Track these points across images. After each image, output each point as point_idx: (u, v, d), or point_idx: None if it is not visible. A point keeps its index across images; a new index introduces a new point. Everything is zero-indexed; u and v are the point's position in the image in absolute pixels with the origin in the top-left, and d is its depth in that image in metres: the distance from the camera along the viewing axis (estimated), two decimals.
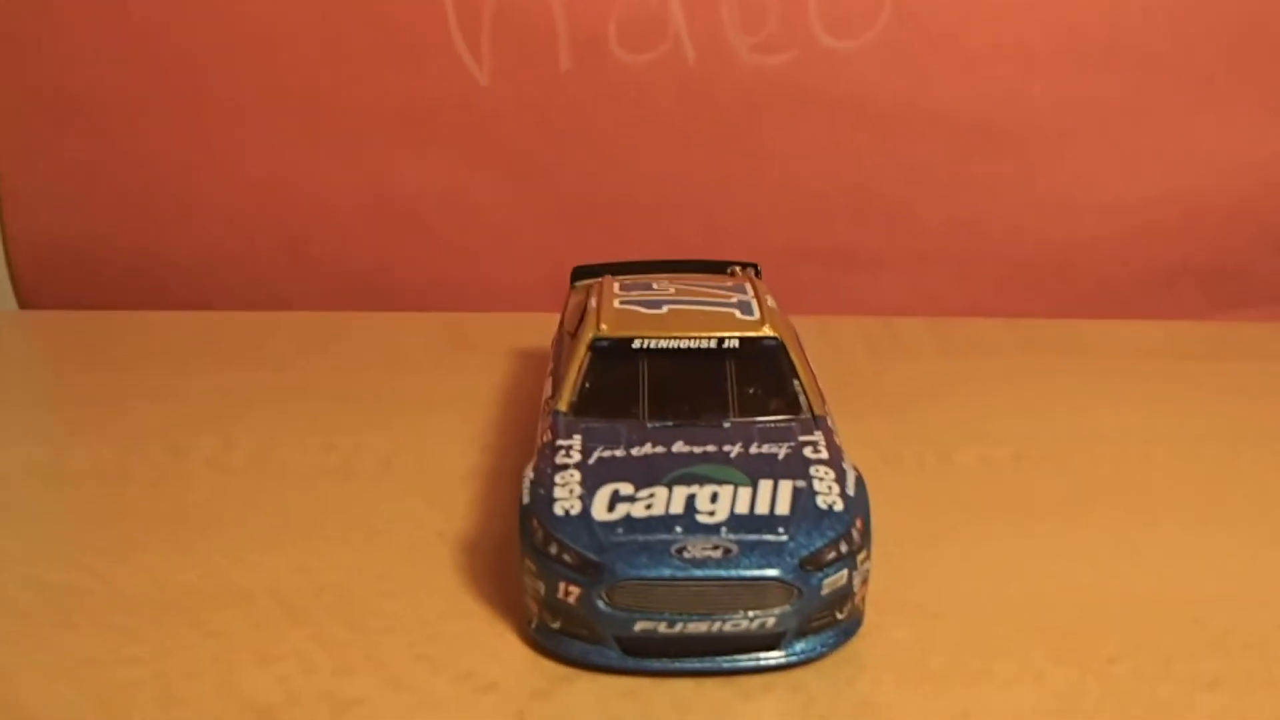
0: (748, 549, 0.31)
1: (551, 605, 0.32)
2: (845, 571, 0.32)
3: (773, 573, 0.31)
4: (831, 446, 0.36)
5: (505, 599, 0.36)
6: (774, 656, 0.32)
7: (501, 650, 0.33)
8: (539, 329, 0.54)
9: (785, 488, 0.33)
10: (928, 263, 0.65)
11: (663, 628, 0.31)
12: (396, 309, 0.64)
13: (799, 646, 0.32)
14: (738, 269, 0.49)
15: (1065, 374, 0.55)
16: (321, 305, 0.64)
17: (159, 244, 0.64)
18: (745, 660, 0.32)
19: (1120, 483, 0.44)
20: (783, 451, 0.35)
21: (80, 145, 0.62)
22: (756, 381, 0.38)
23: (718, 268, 0.49)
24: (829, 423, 0.37)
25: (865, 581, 0.33)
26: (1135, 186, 0.63)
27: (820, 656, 0.32)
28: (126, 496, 0.43)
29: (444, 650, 0.33)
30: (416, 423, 0.48)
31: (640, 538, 0.32)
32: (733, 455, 0.35)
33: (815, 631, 0.32)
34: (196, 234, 0.64)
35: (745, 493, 0.33)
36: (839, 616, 0.33)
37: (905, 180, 0.63)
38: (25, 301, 0.66)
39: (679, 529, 0.32)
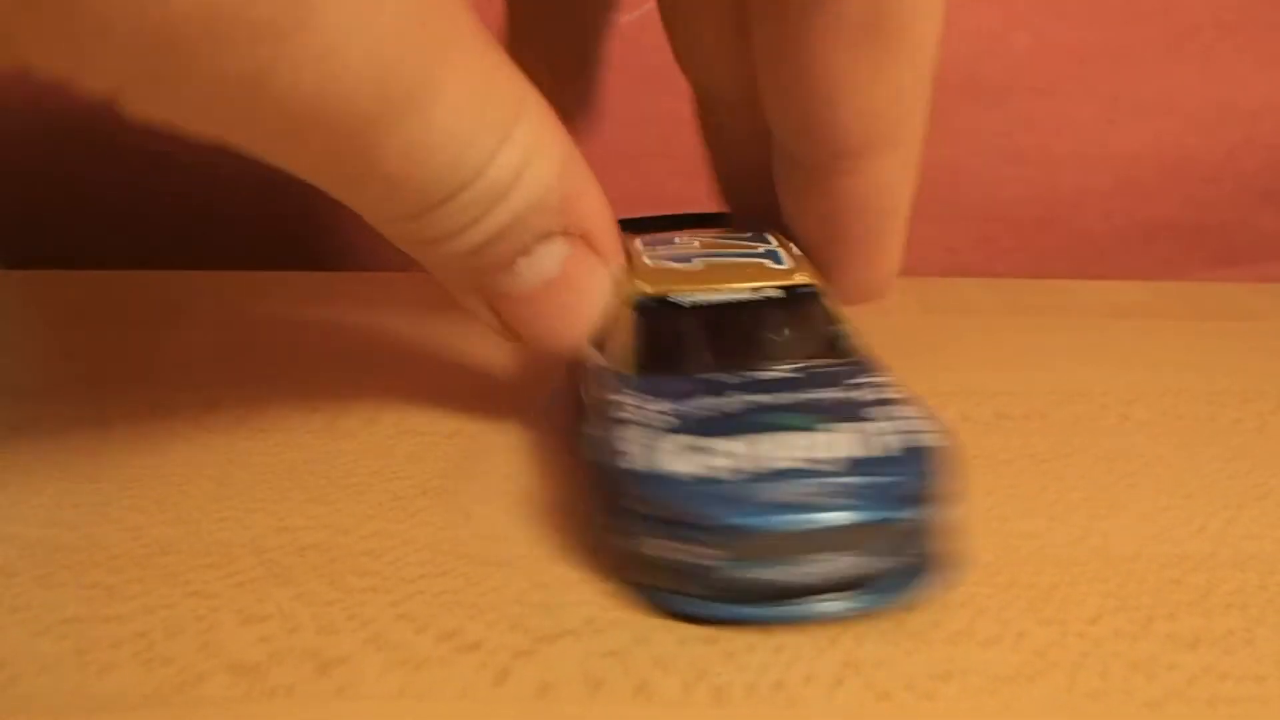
0: (843, 493, 0.31)
1: (647, 563, 0.32)
2: (932, 513, 0.32)
3: (871, 516, 0.31)
4: (896, 386, 0.36)
5: (489, 557, 0.36)
6: (863, 600, 0.32)
7: (484, 609, 0.33)
8: None
9: (864, 430, 0.33)
10: (909, 218, 0.64)
11: (762, 574, 0.31)
12: (381, 267, 0.63)
13: (887, 590, 0.32)
14: None
15: (1047, 332, 0.55)
16: (305, 265, 0.64)
17: (138, 196, 0.63)
18: (838, 604, 0.32)
19: (1100, 441, 0.44)
20: (850, 394, 0.35)
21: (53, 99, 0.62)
22: (802, 327, 0.39)
23: (721, 220, 0.48)
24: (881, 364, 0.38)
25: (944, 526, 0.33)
26: (1117, 139, 0.63)
27: (905, 598, 0.32)
28: (107, 453, 0.42)
29: (427, 609, 0.33)
30: (402, 381, 0.48)
31: (728, 489, 0.31)
32: (800, 400, 0.35)
33: (904, 575, 0.32)
34: (177, 186, 0.63)
35: (823, 438, 0.33)
36: (922, 559, 0.33)
37: None
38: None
39: (767, 477, 0.31)
